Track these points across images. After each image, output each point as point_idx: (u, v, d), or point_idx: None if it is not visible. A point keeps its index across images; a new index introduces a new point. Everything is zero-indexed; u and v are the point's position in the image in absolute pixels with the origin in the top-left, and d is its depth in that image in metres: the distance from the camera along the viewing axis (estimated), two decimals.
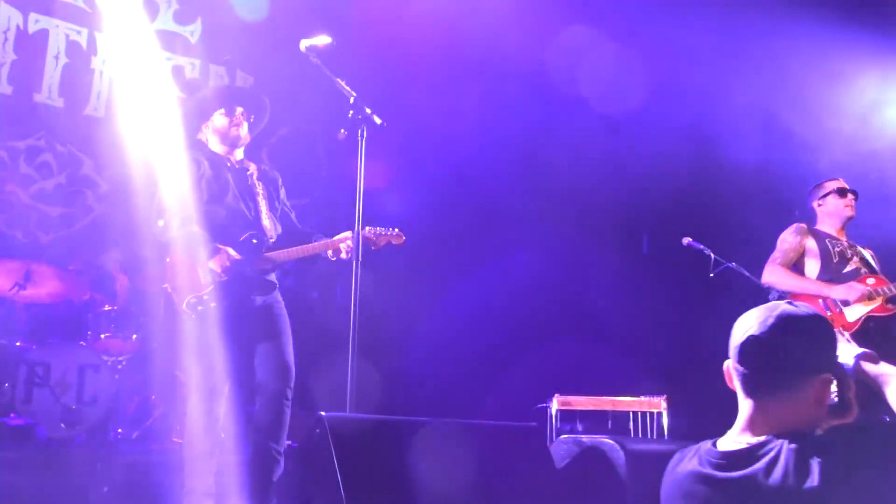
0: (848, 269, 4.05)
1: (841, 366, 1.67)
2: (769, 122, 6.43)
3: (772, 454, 1.55)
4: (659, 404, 5.36)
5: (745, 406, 1.67)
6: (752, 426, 1.64)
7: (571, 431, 5.34)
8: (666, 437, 5.14)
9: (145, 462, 4.88)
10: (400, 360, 7.30)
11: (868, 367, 1.74)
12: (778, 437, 1.57)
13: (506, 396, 6.70)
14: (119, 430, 5.22)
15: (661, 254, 7.41)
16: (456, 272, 7.34)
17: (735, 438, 1.65)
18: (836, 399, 1.66)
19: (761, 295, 4.53)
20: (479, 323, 7.39)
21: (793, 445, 1.53)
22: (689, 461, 1.70)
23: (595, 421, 5.61)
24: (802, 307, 1.68)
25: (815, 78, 6.11)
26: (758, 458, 1.56)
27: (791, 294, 4.01)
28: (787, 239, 4.18)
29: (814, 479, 1.47)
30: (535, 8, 6.79)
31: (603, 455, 2.87)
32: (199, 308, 3.47)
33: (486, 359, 7.42)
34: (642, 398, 5.42)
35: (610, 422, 5.60)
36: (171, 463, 4.74)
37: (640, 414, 5.42)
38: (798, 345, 1.61)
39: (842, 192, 4.21)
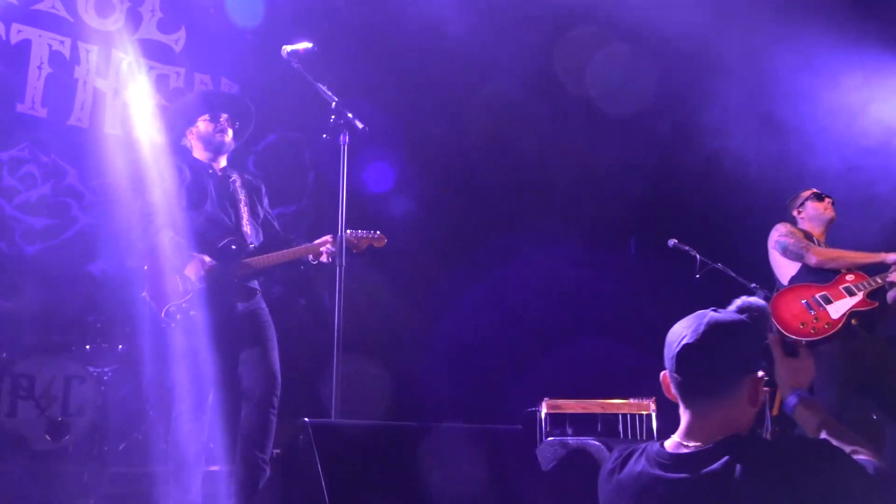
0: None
1: (765, 358, 1.79)
2: (756, 125, 6.44)
3: (721, 457, 1.61)
4: (648, 406, 5.35)
5: (686, 412, 1.75)
6: (696, 431, 1.70)
7: (561, 435, 5.32)
8: (655, 439, 5.12)
9: (132, 473, 4.85)
10: (388, 365, 7.27)
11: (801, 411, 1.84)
12: (723, 440, 1.65)
13: (495, 401, 6.69)
14: (106, 442, 5.18)
15: (649, 256, 7.42)
16: (444, 277, 7.34)
17: (682, 442, 1.72)
18: (766, 377, 1.76)
19: (747, 295, 4.54)
20: (468, 327, 7.38)
21: (740, 450, 1.61)
22: (636, 462, 1.75)
23: (585, 424, 5.59)
24: (725, 313, 1.78)
25: (805, 79, 6.13)
26: (708, 461, 1.62)
27: (848, 266, 4.02)
28: (794, 232, 4.22)
29: (760, 484, 1.54)
30: (528, 11, 6.81)
31: (589, 456, 2.86)
32: (179, 317, 3.44)
33: (475, 363, 7.41)
34: (631, 400, 5.40)
35: (600, 425, 5.59)
36: (158, 473, 4.71)
37: (629, 416, 5.42)
38: (728, 348, 1.71)
39: (818, 197, 4.25)
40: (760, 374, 1.74)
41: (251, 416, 3.53)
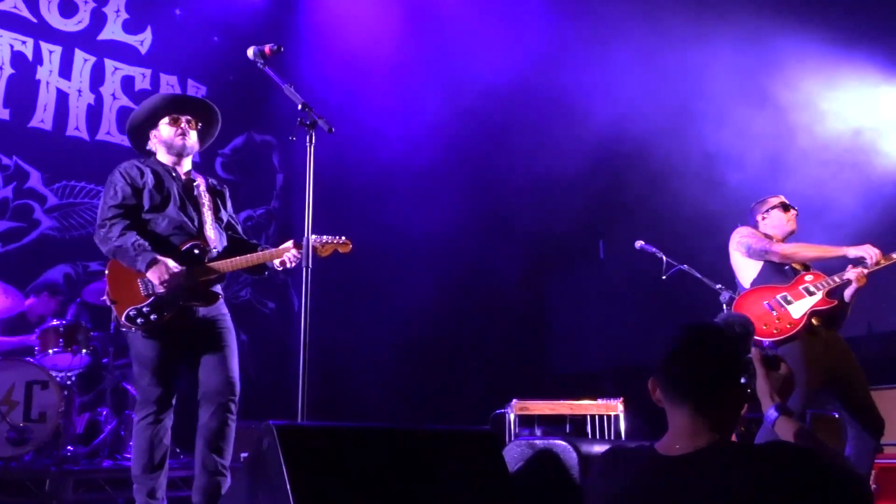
0: (787, 266, 4.15)
1: (746, 372, 1.89)
2: (723, 128, 6.50)
3: (708, 461, 1.69)
4: (616, 407, 5.38)
5: (673, 417, 1.82)
6: (684, 435, 1.78)
7: (530, 436, 5.34)
8: (623, 439, 5.15)
9: (95, 479, 4.77)
10: (356, 367, 7.25)
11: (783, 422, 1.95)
12: (709, 445, 1.72)
13: (464, 402, 6.69)
14: (69, 448, 5.10)
15: (617, 258, 7.47)
16: (414, 278, 7.33)
17: (675, 445, 1.79)
18: (749, 390, 1.87)
19: (712, 296, 4.60)
20: (439, 329, 7.38)
21: (728, 455, 1.69)
22: (629, 464, 1.85)
23: (553, 425, 5.61)
24: (710, 325, 1.89)
25: (770, 82, 6.20)
26: (696, 465, 1.70)
27: (809, 260, 4.12)
28: (755, 233, 4.29)
29: (746, 488, 1.61)
30: (495, 17, 6.84)
31: (556, 457, 2.86)
32: (140, 321, 3.38)
33: (444, 365, 7.41)
34: (599, 401, 5.43)
35: (568, 425, 5.61)
36: (122, 479, 4.64)
37: (597, 417, 5.45)
38: (713, 356, 1.81)
39: (785, 207, 4.32)
40: (742, 381, 1.83)
41: (209, 423, 3.49)
